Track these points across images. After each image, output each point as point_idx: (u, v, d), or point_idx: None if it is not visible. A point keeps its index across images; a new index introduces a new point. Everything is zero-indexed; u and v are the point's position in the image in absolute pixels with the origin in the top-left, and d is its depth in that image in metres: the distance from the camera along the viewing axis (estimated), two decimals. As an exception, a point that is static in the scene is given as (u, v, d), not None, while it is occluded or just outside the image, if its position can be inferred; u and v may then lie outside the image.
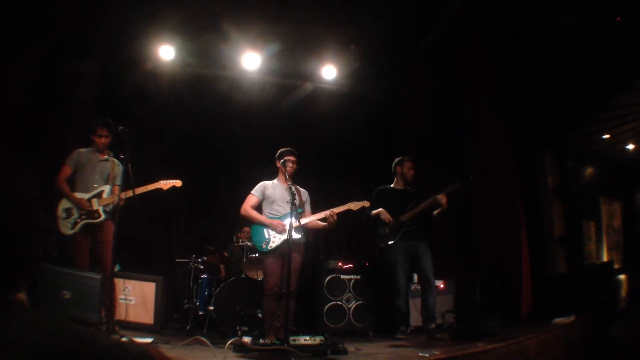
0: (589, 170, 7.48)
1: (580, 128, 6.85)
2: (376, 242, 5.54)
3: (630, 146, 7.34)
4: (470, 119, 6.64)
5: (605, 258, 7.03)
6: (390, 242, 5.39)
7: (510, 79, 6.26)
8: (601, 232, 7.13)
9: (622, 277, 5.53)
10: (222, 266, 6.95)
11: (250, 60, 6.81)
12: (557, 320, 4.81)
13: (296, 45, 6.80)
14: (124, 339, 3.38)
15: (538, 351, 4.11)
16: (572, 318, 4.76)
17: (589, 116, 6.58)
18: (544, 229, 6.68)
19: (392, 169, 5.75)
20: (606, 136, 7.11)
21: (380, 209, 5.41)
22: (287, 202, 4.68)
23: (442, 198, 5.27)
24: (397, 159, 5.78)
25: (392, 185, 5.74)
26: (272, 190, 5.04)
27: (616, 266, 6.47)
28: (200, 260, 6.31)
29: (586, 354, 4.47)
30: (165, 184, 4.95)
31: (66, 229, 4.70)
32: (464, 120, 6.72)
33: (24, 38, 5.30)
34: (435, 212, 5.41)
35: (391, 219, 5.36)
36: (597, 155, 7.42)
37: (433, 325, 5.17)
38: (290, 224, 4.40)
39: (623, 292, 5.34)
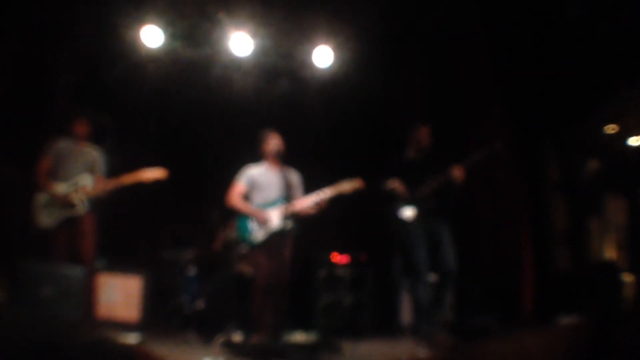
0: (594, 165, 7.36)
1: (585, 121, 6.74)
2: (389, 221, 4.82)
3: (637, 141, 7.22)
4: (470, 109, 6.50)
5: (610, 256, 6.94)
6: (406, 221, 4.65)
7: (512, 69, 6.10)
8: (606, 229, 7.04)
9: (627, 276, 5.46)
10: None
11: (240, 43, 6.57)
12: (560, 320, 4.70)
13: (288, 27, 6.61)
14: (107, 337, 3.26)
15: (540, 352, 3.98)
16: (576, 319, 4.64)
17: (594, 109, 6.45)
18: (546, 225, 6.56)
19: (407, 137, 5.05)
20: (612, 130, 6.99)
21: (394, 181, 4.68)
22: (278, 187, 4.49)
23: (456, 171, 4.53)
24: (412, 125, 5.04)
25: (406, 155, 5.02)
26: (260, 176, 4.69)
27: (621, 265, 6.39)
28: (188, 254, 6.12)
29: (590, 356, 4.34)
30: (149, 177, 4.73)
31: (45, 221, 4.54)
32: (464, 110, 6.57)
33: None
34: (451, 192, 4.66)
35: (405, 193, 4.65)
36: (603, 150, 7.31)
37: (438, 323, 4.80)
38: (281, 214, 4.22)
39: (628, 292, 5.26)
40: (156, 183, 4.77)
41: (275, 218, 4.49)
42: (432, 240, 4.64)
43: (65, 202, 4.56)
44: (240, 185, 4.66)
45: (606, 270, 5.85)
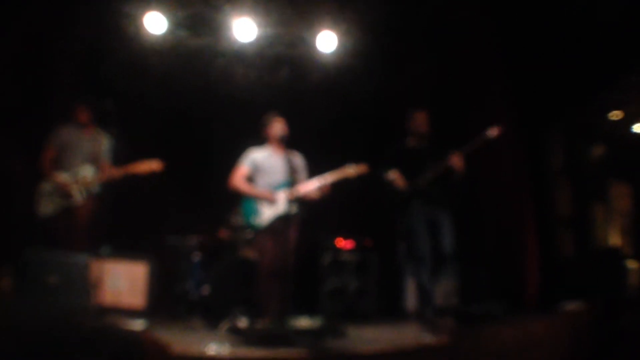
0: (599, 151, 7.32)
1: (590, 107, 6.69)
2: (391, 210, 4.89)
3: (642, 127, 7.18)
4: (474, 95, 6.44)
5: (614, 242, 6.92)
6: (406, 210, 4.70)
7: (516, 53, 6.04)
8: (610, 214, 7.01)
9: (631, 263, 5.44)
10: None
11: (243, 29, 6.51)
12: (565, 306, 4.69)
13: (292, 14, 6.55)
14: (113, 323, 3.28)
15: (545, 337, 3.99)
16: (580, 305, 4.64)
17: (599, 94, 6.39)
18: (550, 211, 6.54)
19: (406, 125, 5.07)
20: (617, 117, 6.94)
21: (392, 174, 4.72)
22: (282, 171, 4.42)
23: (454, 159, 4.55)
24: (408, 113, 5.05)
25: (405, 143, 5.04)
26: (264, 160, 4.64)
27: (625, 251, 6.37)
28: (193, 240, 6.11)
29: (595, 343, 4.34)
30: (144, 169, 4.68)
31: (44, 210, 4.59)
32: (468, 97, 6.52)
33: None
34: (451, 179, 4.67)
35: (405, 185, 4.68)
36: (608, 135, 7.26)
37: (435, 308, 4.91)
38: (286, 197, 4.19)
39: (633, 279, 5.24)
40: (158, 172, 4.76)
41: (280, 202, 4.46)
42: (431, 224, 4.68)
43: (64, 192, 4.58)
44: (244, 168, 4.62)
45: (610, 256, 5.84)
